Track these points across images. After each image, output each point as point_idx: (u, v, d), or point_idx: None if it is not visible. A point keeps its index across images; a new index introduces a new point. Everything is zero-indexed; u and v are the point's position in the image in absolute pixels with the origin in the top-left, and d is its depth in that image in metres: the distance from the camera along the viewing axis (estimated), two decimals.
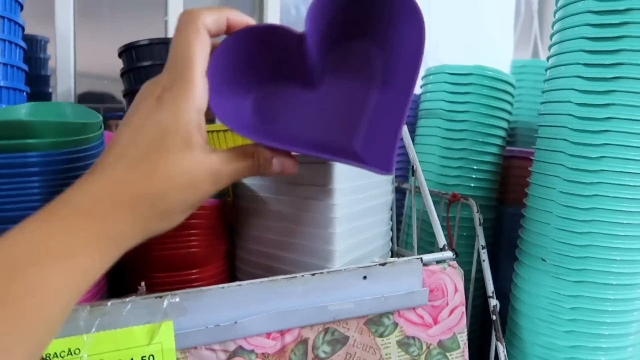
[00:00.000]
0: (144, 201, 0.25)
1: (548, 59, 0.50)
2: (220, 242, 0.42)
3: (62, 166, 0.33)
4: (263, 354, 0.36)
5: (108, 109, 0.88)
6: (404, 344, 0.41)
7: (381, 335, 0.40)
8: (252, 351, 0.36)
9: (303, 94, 0.34)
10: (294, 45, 0.30)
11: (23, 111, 0.46)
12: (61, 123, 0.33)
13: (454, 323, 0.42)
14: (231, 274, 0.46)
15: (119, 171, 0.25)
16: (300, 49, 0.30)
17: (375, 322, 0.40)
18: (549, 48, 0.50)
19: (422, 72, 0.70)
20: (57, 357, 0.29)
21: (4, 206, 0.30)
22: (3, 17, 0.62)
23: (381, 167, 0.31)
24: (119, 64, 0.70)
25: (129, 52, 0.69)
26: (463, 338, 0.43)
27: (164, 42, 0.68)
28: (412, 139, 0.66)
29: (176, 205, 0.26)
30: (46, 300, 0.21)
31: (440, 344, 0.42)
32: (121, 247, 0.25)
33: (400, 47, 0.33)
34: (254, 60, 0.31)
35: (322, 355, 0.38)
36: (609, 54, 0.42)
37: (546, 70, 0.50)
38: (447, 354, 0.42)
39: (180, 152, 0.26)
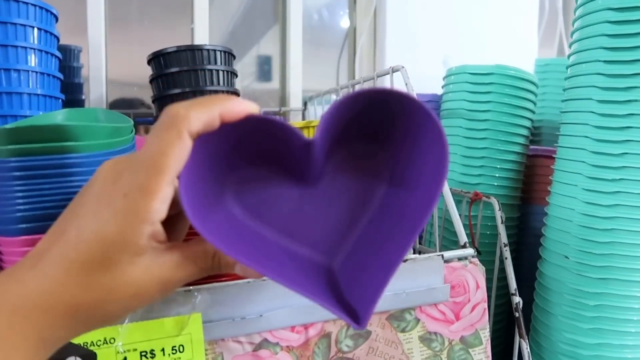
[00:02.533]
0: (81, 310, 0.23)
1: (569, 56, 0.50)
2: None
3: (97, 167, 0.35)
4: (288, 346, 0.37)
5: (138, 114, 0.91)
6: (426, 339, 0.41)
7: (403, 331, 0.41)
8: (277, 344, 0.37)
9: (294, 189, 0.29)
10: (298, 148, 0.26)
11: (59, 117, 0.48)
12: (97, 126, 0.35)
13: (476, 319, 0.43)
14: None
15: (57, 275, 0.22)
16: (305, 152, 0.26)
17: (397, 318, 0.41)
18: (570, 46, 0.50)
19: (443, 72, 0.70)
20: (93, 345, 0.31)
21: (46, 204, 0.32)
22: (40, 29, 0.65)
23: (355, 317, 0.24)
24: (147, 71, 0.73)
25: (157, 59, 0.72)
26: (485, 334, 0.43)
27: (191, 49, 0.71)
28: None
29: (116, 313, 0.24)
30: None
31: (462, 339, 0.42)
32: (57, 345, 0.23)
33: (417, 156, 0.27)
34: (244, 143, 0.27)
35: (345, 349, 0.39)
36: (630, 50, 0.42)
37: (567, 68, 0.50)
38: (470, 350, 0.43)
39: (127, 264, 0.23)
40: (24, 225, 0.32)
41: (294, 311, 0.37)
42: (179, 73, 0.71)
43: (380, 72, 0.56)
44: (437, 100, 0.74)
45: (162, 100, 0.71)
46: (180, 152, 0.23)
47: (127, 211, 0.22)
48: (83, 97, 0.86)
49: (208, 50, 0.71)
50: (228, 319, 0.35)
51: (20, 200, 0.32)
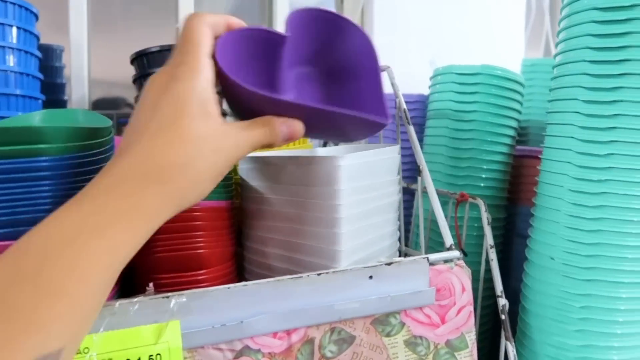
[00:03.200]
0: (173, 170, 0.25)
1: (555, 56, 0.50)
2: (227, 243, 0.43)
3: (73, 170, 0.33)
4: (270, 353, 0.37)
5: (121, 114, 0.89)
6: (411, 343, 0.41)
7: (388, 335, 0.40)
8: (258, 350, 0.36)
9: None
10: (279, 45, 0.35)
11: (37, 118, 0.47)
12: (70, 128, 0.34)
13: (462, 322, 0.42)
14: (239, 275, 0.46)
15: (143, 144, 0.26)
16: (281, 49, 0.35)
17: (382, 322, 0.40)
18: (556, 45, 0.50)
19: (430, 72, 0.70)
20: None
21: (17, 209, 0.31)
22: (19, 28, 0.64)
23: (380, 114, 0.37)
24: (131, 71, 0.72)
25: (140, 59, 0.71)
26: (471, 337, 0.43)
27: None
28: (420, 140, 0.66)
29: (204, 171, 0.27)
30: (82, 278, 0.22)
31: (448, 343, 0.42)
32: (153, 221, 0.25)
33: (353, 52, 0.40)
34: (249, 55, 0.34)
35: (329, 354, 0.38)
36: (615, 50, 0.42)
37: (553, 68, 0.49)
38: (455, 354, 0.42)
39: (200, 119, 0.27)
40: None
41: (275, 317, 0.36)
42: None
43: None
44: (424, 100, 0.73)
45: None
46: (206, 31, 0.29)
47: (184, 74, 0.27)
48: (65, 97, 0.84)
49: None
50: (207, 325, 0.34)
51: None
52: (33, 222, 0.32)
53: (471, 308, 0.43)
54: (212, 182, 0.28)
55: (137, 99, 0.72)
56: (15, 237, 0.31)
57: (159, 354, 0.32)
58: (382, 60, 0.61)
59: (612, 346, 0.45)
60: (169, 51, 0.72)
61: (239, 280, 0.45)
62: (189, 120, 0.26)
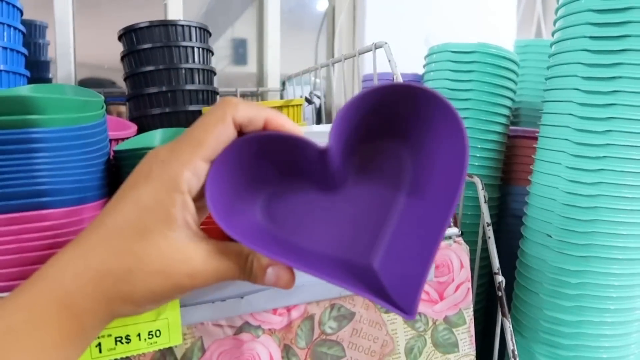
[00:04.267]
0: (107, 278, 0.22)
1: (553, 33, 0.49)
2: None
3: (65, 143, 0.32)
4: (270, 329, 0.36)
5: (108, 93, 0.87)
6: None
7: (387, 311, 0.40)
8: (258, 327, 0.36)
9: (320, 197, 0.29)
10: (315, 157, 0.26)
11: (23, 92, 0.45)
12: (65, 99, 0.33)
13: (460, 299, 0.42)
14: None
15: (90, 241, 0.23)
16: (322, 160, 0.26)
17: None
18: (554, 22, 0.50)
19: (424, 51, 0.69)
20: None
21: (11, 182, 0.30)
22: (1, 1, 0.61)
23: (404, 307, 0.24)
24: (117, 50, 0.70)
25: (129, 35, 0.69)
26: (469, 314, 0.43)
27: (164, 25, 0.68)
28: None
29: (141, 291, 0.23)
30: None
31: (446, 319, 0.42)
32: (83, 323, 0.23)
33: (436, 152, 0.27)
34: (266, 160, 0.27)
35: (329, 331, 0.38)
36: (616, 26, 0.42)
37: (551, 45, 0.49)
38: (453, 330, 0.42)
39: (159, 233, 0.23)
40: None
41: (276, 293, 0.36)
42: (152, 49, 0.68)
43: (362, 49, 0.55)
44: (418, 79, 0.73)
45: (134, 77, 0.68)
46: (220, 131, 0.24)
47: (161, 177, 0.23)
48: (50, 76, 0.82)
49: (182, 25, 0.68)
50: (207, 301, 0.34)
51: None
52: (27, 195, 0.31)
53: (469, 285, 0.43)
54: (150, 305, 0.24)
55: (125, 76, 0.70)
56: (8, 211, 0.31)
57: (158, 330, 0.32)
58: (376, 40, 0.60)
59: (605, 321, 0.45)
60: (158, 27, 0.70)
61: None
62: (144, 233, 0.23)
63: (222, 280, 0.25)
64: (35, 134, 0.31)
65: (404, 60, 0.68)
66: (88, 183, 0.34)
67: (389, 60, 0.50)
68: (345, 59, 0.59)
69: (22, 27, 0.66)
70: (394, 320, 0.40)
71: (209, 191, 0.24)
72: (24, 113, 0.31)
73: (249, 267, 0.25)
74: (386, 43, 0.50)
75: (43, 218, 0.31)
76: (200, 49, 0.71)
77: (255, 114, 0.24)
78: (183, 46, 0.69)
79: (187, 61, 0.68)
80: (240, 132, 0.25)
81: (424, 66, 0.68)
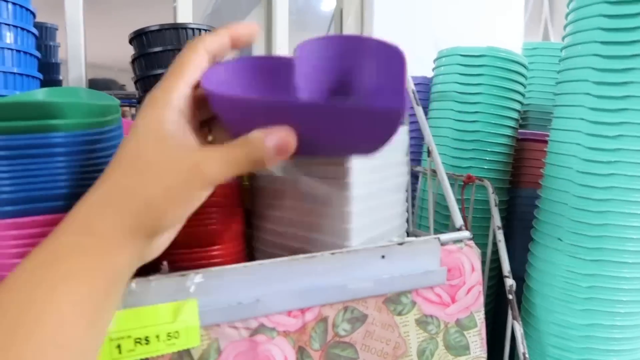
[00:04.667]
0: (126, 192, 0.26)
1: (564, 38, 0.50)
2: (237, 221, 0.42)
3: (85, 147, 0.33)
4: (284, 331, 0.37)
5: (117, 96, 0.88)
6: (422, 322, 0.41)
7: (400, 314, 0.40)
8: (273, 329, 0.36)
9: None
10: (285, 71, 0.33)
11: (40, 96, 0.46)
12: (84, 104, 0.33)
13: (471, 302, 0.43)
14: (249, 255, 0.46)
15: (106, 178, 0.27)
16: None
17: (394, 301, 0.40)
18: (565, 27, 0.50)
19: (434, 54, 0.69)
20: None
21: (32, 185, 0.31)
22: (14, 4, 0.62)
23: (394, 103, 0.27)
24: (127, 53, 0.70)
25: (139, 38, 0.69)
26: (480, 317, 0.43)
27: (175, 28, 0.68)
28: None
29: (158, 196, 0.26)
30: (59, 320, 0.22)
31: (457, 322, 0.42)
32: (113, 251, 0.25)
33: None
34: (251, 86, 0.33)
35: (342, 333, 0.39)
36: (627, 31, 0.42)
37: (562, 49, 0.50)
38: (465, 332, 0.43)
39: (157, 145, 0.26)
40: (10, 208, 0.30)
41: (290, 295, 0.36)
42: (163, 52, 0.68)
43: None
44: (427, 82, 0.73)
45: (145, 80, 0.68)
46: (195, 61, 0.28)
47: (153, 102, 0.27)
48: (60, 77, 0.82)
49: (193, 29, 0.69)
50: (223, 304, 0.34)
51: (6, 182, 0.30)
52: (48, 199, 0.32)
53: (480, 288, 0.43)
54: (173, 207, 0.27)
55: (135, 79, 0.71)
56: (32, 213, 0.31)
57: (177, 332, 0.32)
58: (406, 40, 0.60)
59: (616, 325, 0.45)
60: (169, 30, 0.70)
61: (249, 260, 0.45)
62: (147, 147, 0.26)
63: (236, 169, 0.28)
64: (56, 138, 0.31)
65: (412, 63, 0.68)
66: None
67: None
68: None
69: (34, 30, 0.67)
70: (406, 323, 0.41)
71: (205, 84, 0.28)
72: (45, 118, 0.31)
73: (250, 148, 0.28)
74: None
75: None
76: None
77: (219, 37, 0.29)
78: None
79: None
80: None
81: (433, 69, 0.68)
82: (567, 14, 0.49)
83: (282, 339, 0.37)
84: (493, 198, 0.49)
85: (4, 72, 0.60)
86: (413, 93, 0.50)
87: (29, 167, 0.31)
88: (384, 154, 0.43)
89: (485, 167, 0.61)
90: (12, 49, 0.61)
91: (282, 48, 0.94)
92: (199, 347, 0.34)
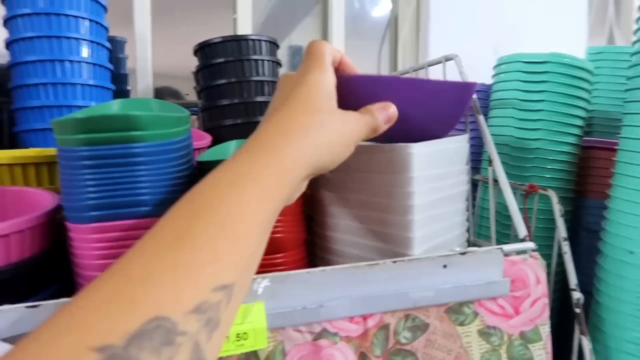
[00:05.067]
0: (309, 127, 0.29)
1: (634, 43, 0.48)
2: (300, 229, 0.44)
3: (162, 156, 0.35)
4: (347, 337, 0.37)
5: (180, 104, 0.92)
6: (485, 333, 0.41)
7: (461, 324, 0.40)
8: (336, 334, 0.37)
9: None
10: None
11: (115, 107, 0.49)
12: (161, 116, 0.35)
13: (536, 314, 0.42)
14: (310, 262, 0.47)
15: (282, 112, 0.30)
16: None
17: (456, 311, 0.40)
18: (635, 32, 0.48)
19: (492, 61, 0.68)
20: None
21: (115, 192, 0.33)
22: (91, 20, 0.67)
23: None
24: (189, 62, 0.73)
25: (203, 50, 0.73)
26: (545, 330, 0.42)
27: (236, 40, 0.71)
28: None
29: (335, 137, 0.31)
30: (245, 217, 0.25)
31: (522, 334, 0.41)
32: (296, 171, 0.29)
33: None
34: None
35: (403, 340, 0.39)
36: None
37: (632, 55, 0.48)
38: (529, 345, 0.42)
39: (327, 101, 0.32)
40: (94, 213, 0.33)
41: (353, 302, 0.37)
42: (225, 63, 0.71)
43: (432, 61, 0.55)
44: (486, 90, 0.72)
45: (208, 90, 0.71)
46: (327, 50, 0.34)
47: (313, 71, 0.32)
48: (129, 87, 0.87)
49: (253, 40, 0.71)
50: (289, 308, 0.35)
51: (91, 189, 0.32)
52: (129, 205, 0.34)
53: (546, 300, 0.42)
54: (343, 149, 0.32)
55: (199, 89, 0.74)
56: (114, 218, 0.33)
57: (245, 333, 0.33)
58: (440, 50, 0.60)
59: None
60: (231, 42, 0.73)
61: (310, 267, 0.46)
62: (320, 99, 0.31)
63: (367, 132, 0.34)
64: (137, 148, 0.34)
65: (469, 71, 0.68)
66: (180, 193, 0.37)
67: (460, 72, 0.50)
68: (413, 70, 0.60)
69: (108, 44, 0.71)
70: (469, 333, 0.40)
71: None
72: (126, 130, 0.34)
73: (372, 116, 0.34)
74: (457, 56, 0.51)
75: (145, 226, 0.34)
76: (270, 62, 0.73)
77: (335, 50, 0.36)
78: (254, 59, 0.72)
79: (257, 74, 0.71)
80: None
81: (493, 76, 0.67)
82: (638, 19, 0.47)
83: (344, 344, 0.37)
84: (558, 208, 0.48)
85: (81, 84, 0.65)
86: (474, 102, 0.49)
87: (112, 176, 0.33)
88: (444, 163, 0.43)
89: (548, 175, 0.59)
90: (88, 62, 0.66)
91: None
92: (265, 348, 0.35)
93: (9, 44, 0.65)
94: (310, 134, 0.30)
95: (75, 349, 0.17)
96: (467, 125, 0.51)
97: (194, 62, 0.74)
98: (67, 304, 0.19)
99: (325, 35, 0.97)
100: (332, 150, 0.31)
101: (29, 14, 0.61)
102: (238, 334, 0.33)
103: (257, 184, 0.26)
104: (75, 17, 0.64)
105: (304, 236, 0.45)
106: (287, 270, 0.39)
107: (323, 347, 0.37)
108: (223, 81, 0.71)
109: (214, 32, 0.72)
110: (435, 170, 0.42)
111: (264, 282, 0.35)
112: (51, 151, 0.49)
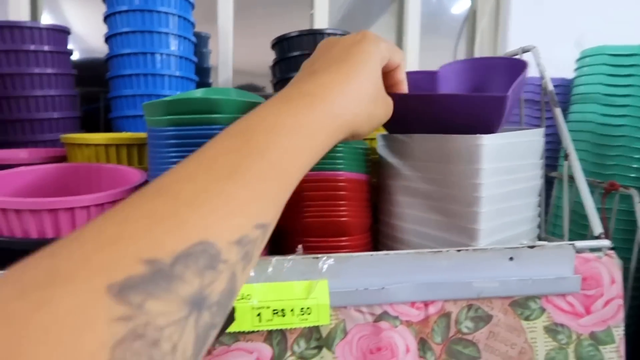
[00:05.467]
0: (337, 89, 0.30)
1: None
2: (365, 215, 0.45)
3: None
4: (407, 321, 0.38)
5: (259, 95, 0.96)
6: (551, 330, 0.40)
7: (527, 319, 0.39)
8: (396, 317, 0.38)
9: None
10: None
11: (198, 95, 0.53)
12: (239, 101, 0.38)
13: (609, 315, 0.40)
14: (374, 249, 0.48)
15: (328, 72, 0.32)
16: None
17: (521, 305, 0.39)
18: None
19: (574, 55, 0.65)
20: None
21: None
22: (179, 16, 0.72)
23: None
24: (267, 58, 0.76)
25: (280, 44, 0.75)
26: (619, 332, 0.40)
27: (312, 34, 0.73)
28: None
29: (370, 108, 0.33)
30: (288, 163, 0.26)
31: (592, 335, 0.40)
32: (341, 131, 0.30)
33: None
34: None
35: (465, 330, 0.39)
36: None
37: None
38: (600, 347, 0.40)
39: (376, 75, 0.33)
40: None
41: (415, 287, 0.38)
42: (301, 56, 0.73)
43: (509, 53, 0.54)
44: (566, 84, 0.69)
45: (284, 83, 0.74)
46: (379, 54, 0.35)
47: (370, 43, 0.34)
48: (210, 81, 0.92)
49: (329, 34, 0.73)
50: (351, 288, 0.37)
51: (175, 166, 0.36)
52: None
53: (620, 301, 0.40)
54: (374, 126, 0.34)
55: (275, 82, 0.77)
56: None
57: (309, 308, 0.35)
58: (520, 42, 0.58)
59: None
60: (307, 36, 0.75)
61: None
62: (370, 70, 0.33)
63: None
64: (217, 130, 0.36)
65: (550, 65, 0.65)
66: None
67: (538, 64, 0.49)
68: None
69: (193, 39, 0.76)
70: (534, 329, 0.39)
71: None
72: (207, 113, 0.37)
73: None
74: (535, 47, 0.49)
75: None
76: None
77: (399, 56, 0.38)
78: None
79: None
80: None
81: (575, 70, 0.64)
82: None
83: (404, 328, 0.38)
84: (639, 208, 0.45)
85: (169, 75, 0.70)
86: (551, 94, 0.48)
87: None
88: (516, 156, 0.42)
89: (632, 174, 0.56)
90: (176, 55, 0.71)
91: (413, 52, 0.95)
92: (327, 325, 0.37)
93: (107, 39, 0.71)
94: (364, 102, 0.32)
95: (123, 257, 0.17)
96: (542, 119, 0.50)
97: (270, 58, 0.77)
98: (111, 215, 0.19)
99: (400, 32, 0.97)
100: (371, 123, 0.34)
101: (125, 11, 0.67)
102: (302, 309, 0.35)
103: (310, 133, 0.27)
104: (166, 13, 0.69)
105: (370, 222, 0.46)
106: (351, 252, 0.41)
107: (383, 329, 0.38)
108: None
109: (292, 28, 0.75)
110: (505, 163, 0.41)
111: (328, 261, 0.36)
112: (141, 135, 0.54)
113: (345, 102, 0.31)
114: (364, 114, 0.32)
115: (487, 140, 0.38)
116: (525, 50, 0.51)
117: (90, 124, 0.81)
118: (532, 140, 0.44)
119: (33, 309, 0.14)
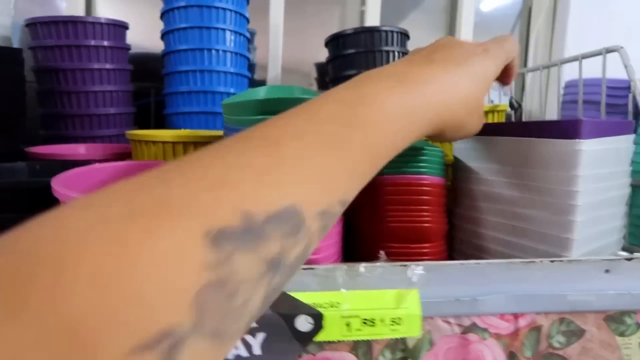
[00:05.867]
0: (448, 89, 0.30)
1: None
2: (444, 220, 0.43)
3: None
4: (496, 334, 0.36)
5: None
6: None
7: (622, 335, 0.37)
8: (485, 330, 0.36)
9: None
10: None
11: (262, 93, 0.52)
12: (298, 99, 0.37)
13: None
14: (448, 255, 0.47)
15: (445, 70, 0.31)
16: None
17: (616, 320, 0.37)
18: None
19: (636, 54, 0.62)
20: (321, 307, 0.33)
21: None
22: (235, 12, 0.71)
23: None
24: (316, 54, 0.75)
25: (334, 41, 0.74)
26: None
27: (369, 31, 0.71)
28: None
29: (459, 107, 0.31)
30: (388, 149, 0.26)
31: None
32: (431, 119, 0.29)
33: None
34: None
35: (557, 345, 0.37)
36: None
37: None
38: None
39: (486, 87, 0.34)
40: None
41: (506, 298, 0.36)
42: (356, 54, 0.72)
43: (588, 54, 0.51)
44: (625, 86, 0.66)
45: (338, 81, 0.72)
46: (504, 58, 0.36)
47: (494, 58, 0.34)
48: (255, 76, 0.92)
49: (385, 31, 0.71)
50: (441, 298, 0.35)
51: None
52: None
53: None
54: (456, 133, 0.33)
55: (330, 79, 0.75)
56: None
57: (399, 318, 0.34)
58: (576, 46, 0.56)
59: None
60: (363, 34, 0.74)
61: (450, 259, 0.45)
62: (482, 87, 0.33)
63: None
64: None
65: (611, 66, 0.62)
66: None
67: (626, 66, 0.46)
68: (561, 63, 0.56)
69: (247, 34, 0.75)
70: (629, 345, 0.37)
71: None
72: (267, 113, 0.35)
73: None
74: (622, 47, 0.47)
75: None
76: (400, 53, 0.73)
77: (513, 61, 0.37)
78: (385, 50, 0.72)
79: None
80: None
81: None
82: None
83: (493, 341, 0.36)
84: None
85: (224, 72, 0.69)
86: None
87: None
88: (611, 163, 0.40)
89: None
90: (231, 52, 0.70)
91: None
92: (414, 336, 0.35)
93: (164, 35, 0.71)
94: (463, 110, 0.31)
95: (224, 204, 0.17)
96: (638, 125, 0.47)
97: (317, 55, 0.76)
98: (217, 152, 0.20)
99: (452, 30, 0.94)
100: (459, 132, 0.33)
101: (184, 7, 0.66)
102: (393, 319, 0.34)
103: (412, 120, 0.27)
104: (223, 9, 0.68)
105: (447, 228, 0.44)
106: (430, 259, 0.39)
107: (471, 342, 0.36)
108: (353, 72, 0.72)
109: (343, 25, 0.73)
110: (601, 170, 0.39)
111: (418, 269, 0.35)
112: (208, 132, 0.53)
113: (450, 103, 0.30)
114: (458, 121, 0.32)
115: (586, 146, 0.36)
116: (609, 51, 0.48)
117: (140, 120, 0.81)
118: (625, 146, 0.42)
119: (144, 237, 0.15)
